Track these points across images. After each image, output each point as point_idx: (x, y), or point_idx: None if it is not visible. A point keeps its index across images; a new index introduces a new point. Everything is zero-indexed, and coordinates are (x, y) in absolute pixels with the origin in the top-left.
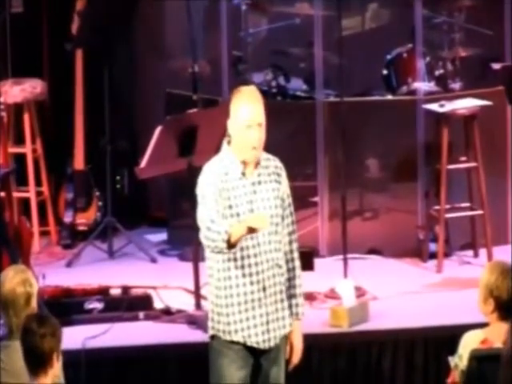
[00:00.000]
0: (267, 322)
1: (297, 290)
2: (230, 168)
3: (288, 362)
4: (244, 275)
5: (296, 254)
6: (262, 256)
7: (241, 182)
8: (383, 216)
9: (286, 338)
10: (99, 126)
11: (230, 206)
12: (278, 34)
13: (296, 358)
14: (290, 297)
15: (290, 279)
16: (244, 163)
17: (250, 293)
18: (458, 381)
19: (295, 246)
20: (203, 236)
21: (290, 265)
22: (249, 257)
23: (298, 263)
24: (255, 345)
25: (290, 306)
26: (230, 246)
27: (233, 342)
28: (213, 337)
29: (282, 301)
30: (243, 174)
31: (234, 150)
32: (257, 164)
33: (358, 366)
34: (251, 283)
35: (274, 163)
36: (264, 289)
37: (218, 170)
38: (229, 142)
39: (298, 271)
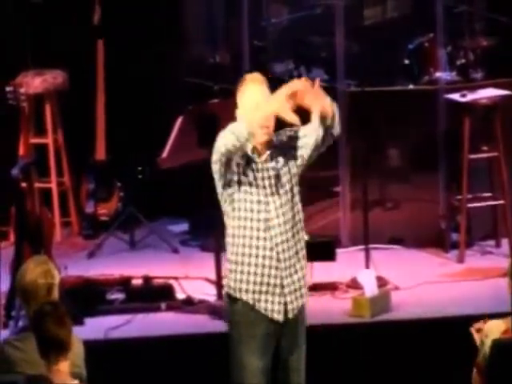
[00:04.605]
0: (283, 295)
1: None
2: None
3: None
4: (264, 248)
5: None
6: (276, 229)
7: (252, 160)
8: (405, 206)
9: (304, 313)
10: (120, 117)
11: (239, 182)
12: (299, 23)
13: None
14: None
15: None
16: (255, 147)
17: (269, 258)
18: (480, 362)
19: None
20: (223, 141)
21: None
22: (264, 230)
23: None
24: (263, 311)
25: None
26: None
27: (251, 324)
28: (229, 296)
29: (296, 272)
30: (254, 153)
31: None
32: (268, 147)
33: (379, 357)
34: (271, 249)
35: (286, 133)
36: (279, 260)
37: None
38: None
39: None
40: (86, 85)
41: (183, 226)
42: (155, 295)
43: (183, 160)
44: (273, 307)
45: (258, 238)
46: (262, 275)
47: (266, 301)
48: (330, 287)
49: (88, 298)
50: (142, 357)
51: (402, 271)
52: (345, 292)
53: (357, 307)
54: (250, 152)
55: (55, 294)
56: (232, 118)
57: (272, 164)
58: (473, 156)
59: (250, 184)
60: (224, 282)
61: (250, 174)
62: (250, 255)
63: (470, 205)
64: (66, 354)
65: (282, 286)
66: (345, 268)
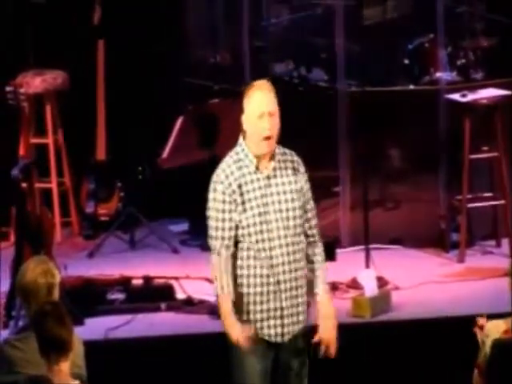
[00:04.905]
0: (281, 317)
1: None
2: (244, 162)
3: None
4: (261, 267)
5: (319, 243)
6: (276, 250)
7: (255, 176)
8: (405, 206)
9: (306, 331)
10: (120, 117)
11: (243, 202)
12: (299, 23)
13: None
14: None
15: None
16: (259, 158)
17: (267, 284)
18: (481, 362)
19: (318, 237)
20: (212, 249)
21: (316, 249)
22: (264, 250)
23: (319, 250)
24: (267, 337)
25: (323, 281)
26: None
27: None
28: None
29: (297, 296)
30: (257, 168)
31: (248, 145)
32: (271, 158)
33: (380, 357)
34: (267, 276)
35: (290, 157)
36: (279, 283)
37: (232, 168)
38: (244, 137)
39: (323, 255)
40: (86, 85)
41: (183, 226)
42: (155, 295)
43: (183, 160)
44: (275, 331)
45: (261, 267)
46: (262, 303)
47: (269, 327)
48: (330, 287)
49: (88, 298)
50: (142, 357)
51: (402, 271)
52: (345, 292)
53: (357, 307)
54: (252, 169)
55: (55, 294)
56: (232, 118)
57: (276, 180)
58: (473, 156)
59: (251, 207)
60: None
61: (251, 193)
62: (255, 294)
63: (470, 205)
64: (67, 355)
65: (282, 308)
66: (345, 268)
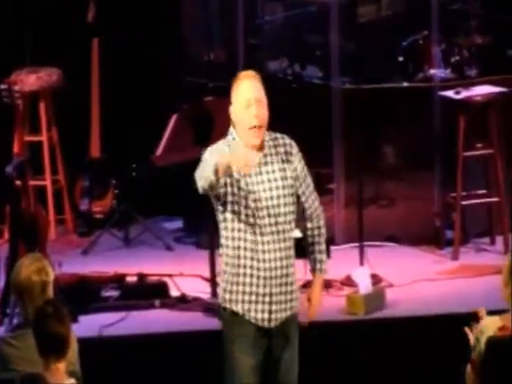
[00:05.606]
0: (270, 303)
1: (322, 246)
2: None
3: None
4: (252, 258)
5: (321, 215)
6: (268, 237)
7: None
8: (399, 203)
9: (295, 318)
10: (115, 114)
11: (234, 190)
12: (294, 21)
13: (313, 312)
14: (315, 252)
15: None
16: (249, 147)
17: (257, 269)
18: (475, 359)
19: (320, 211)
20: (198, 177)
21: (315, 223)
22: (255, 238)
23: (322, 222)
24: (253, 320)
25: (315, 261)
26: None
27: (242, 325)
28: (224, 309)
29: (286, 284)
30: None
31: (239, 134)
32: (262, 146)
33: (374, 354)
34: (257, 260)
35: (282, 141)
36: (270, 269)
37: (224, 149)
38: (234, 128)
39: (323, 230)
40: (80, 83)
41: (178, 224)
42: (149, 292)
43: (177, 158)
44: (263, 316)
45: (251, 259)
46: (251, 285)
47: (256, 310)
48: (325, 284)
49: (82, 295)
50: (136, 354)
51: (396, 268)
52: (339, 289)
53: (351, 304)
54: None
55: (50, 292)
56: (227, 115)
57: (266, 168)
58: (467, 153)
59: (238, 203)
60: (218, 290)
61: (242, 181)
62: (245, 275)
63: (464, 202)
64: (66, 353)
65: (271, 294)
66: (339, 265)
